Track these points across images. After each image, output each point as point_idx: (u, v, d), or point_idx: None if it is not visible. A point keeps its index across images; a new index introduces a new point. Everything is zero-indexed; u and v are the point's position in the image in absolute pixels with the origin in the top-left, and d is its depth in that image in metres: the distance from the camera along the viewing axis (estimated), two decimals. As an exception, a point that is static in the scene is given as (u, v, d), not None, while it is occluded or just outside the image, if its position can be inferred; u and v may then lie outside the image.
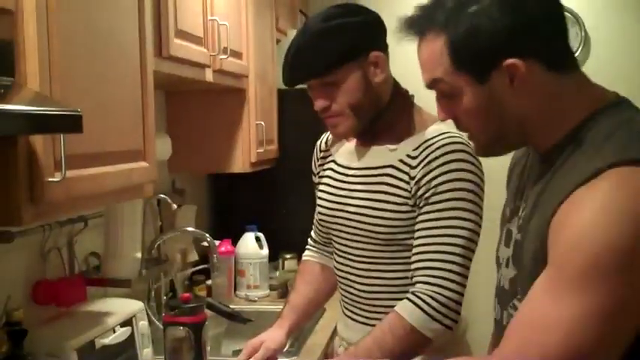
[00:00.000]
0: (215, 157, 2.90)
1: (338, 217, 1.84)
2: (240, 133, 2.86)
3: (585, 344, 1.03)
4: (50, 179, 1.32)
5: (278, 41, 3.34)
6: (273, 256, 3.18)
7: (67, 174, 1.32)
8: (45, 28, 1.32)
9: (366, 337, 1.69)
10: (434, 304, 1.62)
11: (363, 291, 1.81)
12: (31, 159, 1.30)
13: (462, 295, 1.65)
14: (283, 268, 3.19)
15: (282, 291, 3.03)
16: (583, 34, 3.95)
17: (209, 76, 2.39)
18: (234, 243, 3.10)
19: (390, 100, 1.78)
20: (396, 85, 1.82)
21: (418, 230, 1.69)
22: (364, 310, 1.82)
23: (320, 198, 1.92)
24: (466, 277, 1.66)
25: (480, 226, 1.69)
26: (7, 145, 1.27)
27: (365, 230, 1.77)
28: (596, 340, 1.03)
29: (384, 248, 1.75)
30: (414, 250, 1.69)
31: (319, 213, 1.92)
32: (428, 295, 1.62)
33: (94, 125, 1.45)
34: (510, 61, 1.14)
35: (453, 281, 1.63)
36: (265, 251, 3.13)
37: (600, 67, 3.93)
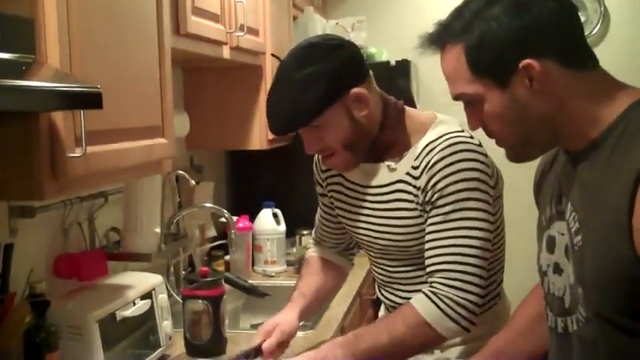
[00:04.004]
0: (232, 134, 2.92)
1: (365, 235, 1.84)
2: (258, 110, 2.88)
3: None
4: (71, 155, 1.35)
5: (295, 18, 3.34)
6: (290, 232, 3.21)
7: (88, 149, 1.35)
8: (64, 6, 1.34)
9: (378, 321, 1.71)
10: (452, 304, 1.60)
11: (407, 298, 1.77)
12: (53, 135, 1.33)
13: (480, 296, 1.62)
14: (300, 244, 3.22)
15: (299, 266, 3.05)
16: (602, 9, 3.91)
17: (226, 53, 2.40)
18: (252, 219, 3.13)
19: (383, 120, 1.74)
20: (384, 101, 1.77)
21: (428, 233, 1.67)
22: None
23: (339, 215, 1.92)
24: (483, 277, 1.63)
25: (491, 222, 1.66)
26: (29, 121, 1.30)
27: (395, 247, 1.78)
28: None
29: (418, 254, 1.74)
30: (427, 254, 1.67)
31: (348, 232, 1.93)
32: (447, 297, 1.60)
33: (114, 102, 1.47)
34: (526, 61, 1.17)
35: (470, 283, 1.61)
36: (282, 227, 3.16)
37: (620, 44, 3.91)
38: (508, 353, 1.54)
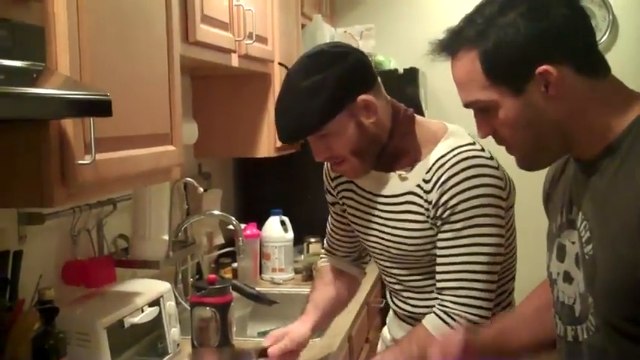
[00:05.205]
0: (240, 142, 2.92)
1: (376, 242, 1.83)
2: (266, 118, 2.88)
3: None
4: (80, 162, 1.36)
5: (303, 26, 3.35)
6: (298, 240, 3.21)
7: (97, 157, 1.36)
8: (75, 14, 1.35)
9: (393, 347, 1.72)
10: (463, 322, 1.62)
11: (419, 306, 1.81)
12: (62, 142, 1.34)
13: (489, 309, 1.65)
14: (308, 251, 3.22)
15: (307, 274, 3.06)
16: (611, 17, 3.91)
17: (234, 61, 2.41)
18: (260, 227, 3.13)
19: (392, 128, 1.74)
20: (394, 108, 1.76)
21: (439, 249, 1.68)
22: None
23: (352, 222, 1.91)
24: (492, 291, 1.66)
25: (502, 236, 1.66)
26: (38, 128, 1.31)
27: (406, 256, 1.78)
28: None
29: (429, 264, 1.74)
30: (438, 269, 1.68)
31: (360, 240, 1.93)
32: (457, 315, 1.63)
33: (123, 109, 1.48)
34: (542, 67, 1.17)
35: (479, 298, 1.63)
36: (290, 235, 3.16)
37: (628, 52, 3.90)
38: (510, 333, 1.53)
